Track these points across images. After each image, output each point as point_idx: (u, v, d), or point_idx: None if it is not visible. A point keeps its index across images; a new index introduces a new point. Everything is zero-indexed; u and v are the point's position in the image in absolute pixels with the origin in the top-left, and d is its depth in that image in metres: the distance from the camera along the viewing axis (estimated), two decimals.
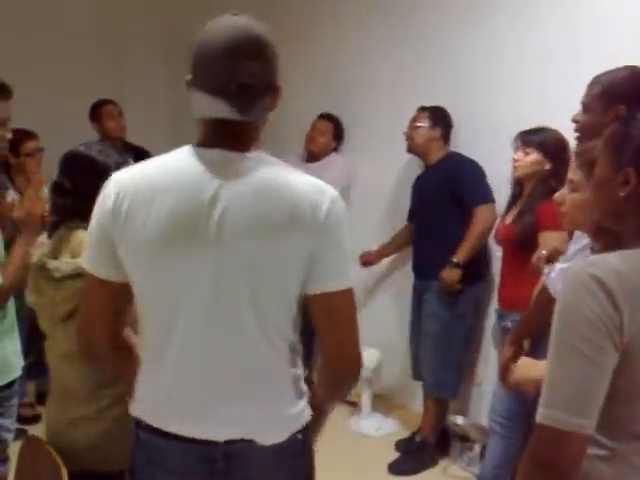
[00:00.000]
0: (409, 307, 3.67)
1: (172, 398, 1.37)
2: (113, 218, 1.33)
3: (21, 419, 3.37)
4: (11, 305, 2.17)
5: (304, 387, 1.44)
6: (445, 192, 3.38)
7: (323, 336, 1.38)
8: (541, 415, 1.12)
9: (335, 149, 4.25)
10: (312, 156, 4.22)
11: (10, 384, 2.14)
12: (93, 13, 5.02)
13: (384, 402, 4.02)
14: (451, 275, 3.28)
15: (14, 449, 1.99)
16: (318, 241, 1.30)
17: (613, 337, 1.11)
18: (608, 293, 1.11)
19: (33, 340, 2.16)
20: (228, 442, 1.35)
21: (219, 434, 1.35)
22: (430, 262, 3.43)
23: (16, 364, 2.17)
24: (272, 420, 1.38)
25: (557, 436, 1.10)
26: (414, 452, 3.46)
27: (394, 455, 3.49)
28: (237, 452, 1.36)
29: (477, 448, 3.36)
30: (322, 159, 4.18)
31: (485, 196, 3.31)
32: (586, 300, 1.11)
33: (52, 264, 1.73)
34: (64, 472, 1.66)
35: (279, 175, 1.33)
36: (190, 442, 1.36)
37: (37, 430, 2.01)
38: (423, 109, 3.52)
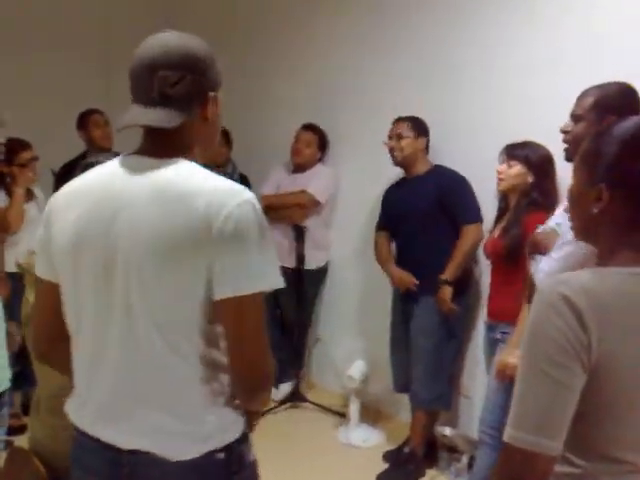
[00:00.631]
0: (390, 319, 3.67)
1: (86, 400, 1.40)
2: (45, 224, 1.41)
3: (7, 429, 3.34)
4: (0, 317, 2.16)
5: (226, 402, 1.37)
6: (435, 207, 3.37)
7: (228, 344, 1.32)
8: (509, 435, 1.12)
9: (320, 159, 4.27)
10: (298, 167, 4.25)
11: None
12: (85, 23, 5.03)
13: (372, 413, 4.02)
14: (446, 294, 3.30)
15: None
16: (216, 246, 1.25)
17: (581, 357, 1.10)
18: (577, 313, 1.10)
19: (20, 350, 2.15)
20: (133, 452, 1.34)
21: (123, 442, 1.35)
22: (419, 277, 3.43)
23: (3, 376, 2.15)
24: (178, 435, 1.32)
25: (524, 457, 1.11)
26: (403, 463, 3.44)
27: (382, 466, 3.48)
28: (142, 462, 1.34)
29: (465, 459, 3.36)
30: (308, 170, 4.20)
31: (476, 215, 3.33)
32: (554, 321, 1.10)
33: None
34: None
35: (188, 177, 1.30)
36: (101, 444, 1.37)
37: (23, 441, 2.00)
38: (402, 119, 3.51)
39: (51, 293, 1.42)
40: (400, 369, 3.60)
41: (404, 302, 3.53)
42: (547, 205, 2.69)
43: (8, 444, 2.47)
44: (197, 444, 1.33)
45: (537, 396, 1.11)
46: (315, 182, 4.09)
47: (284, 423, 3.93)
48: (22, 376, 2.49)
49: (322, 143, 4.23)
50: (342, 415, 4.00)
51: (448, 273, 3.30)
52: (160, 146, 1.35)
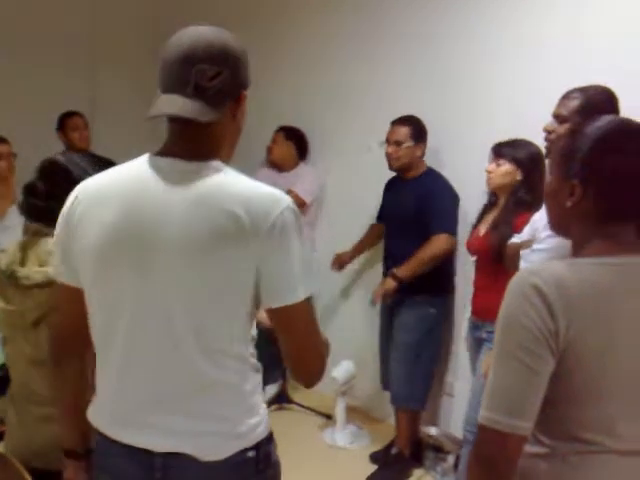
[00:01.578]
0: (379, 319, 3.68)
1: (116, 406, 1.38)
2: (66, 225, 1.36)
3: None
4: None
5: (258, 402, 1.40)
6: (414, 212, 3.37)
7: (282, 348, 1.35)
8: (482, 417, 1.21)
9: (302, 159, 4.30)
10: (275, 165, 4.31)
11: None
12: (70, 23, 4.99)
13: (358, 414, 4.02)
14: (389, 285, 3.31)
15: None
16: (262, 253, 1.25)
17: (550, 344, 1.17)
18: (547, 302, 1.17)
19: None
20: (167, 454, 1.34)
21: (157, 445, 1.34)
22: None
23: None
24: (214, 436, 1.34)
25: (496, 436, 1.19)
26: (391, 464, 3.45)
27: (368, 467, 3.48)
28: (176, 465, 1.34)
29: (451, 459, 3.37)
30: (291, 170, 4.22)
31: (446, 226, 3.31)
32: (525, 309, 1.18)
33: (22, 272, 1.75)
34: None
35: (226, 183, 1.29)
36: (132, 449, 1.35)
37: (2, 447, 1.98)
38: (399, 123, 3.43)
39: (76, 299, 1.39)
40: (385, 366, 3.62)
41: (389, 301, 3.53)
42: (535, 205, 2.70)
43: None
44: (230, 443, 1.35)
45: (509, 381, 1.19)
46: (300, 183, 4.10)
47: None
48: (5, 381, 2.47)
49: (291, 138, 4.24)
50: (328, 417, 3.99)
51: (401, 270, 3.31)
52: (190, 145, 1.31)
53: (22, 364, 1.82)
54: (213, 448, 1.34)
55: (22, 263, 1.78)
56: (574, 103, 2.11)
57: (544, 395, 1.20)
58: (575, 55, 2.90)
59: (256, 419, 1.38)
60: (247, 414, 1.37)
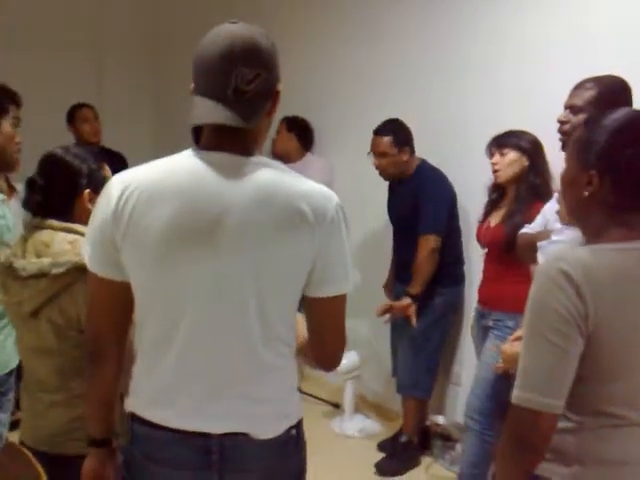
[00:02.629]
0: None
1: (170, 393, 1.38)
2: (115, 220, 1.32)
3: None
4: None
5: (297, 382, 1.48)
6: (412, 210, 3.36)
7: (314, 334, 1.45)
8: (515, 397, 1.27)
9: (307, 149, 4.29)
10: (280, 158, 4.28)
11: (7, 375, 2.14)
12: (78, 18, 5.03)
13: (366, 403, 4.03)
14: (407, 309, 3.28)
15: None
16: (321, 245, 1.33)
17: (579, 326, 1.24)
18: (575, 286, 1.24)
19: None
20: (223, 435, 1.37)
21: (215, 427, 1.37)
22: (404, 271, 3.46)
23: (8, 358, 2.17)
24: (268, 415, 1.41)
25: (530, 415, 1.26)
26: (400, 452, 3.47)
27: (377, 456, 3.50)
28: (232, 445, 1.38)
29: (459, 447, 3.38)
30: (297, 161, 4.21)
31: (431, 227, 3.30)
32: (555, 293, 1.24)
33: (18, 263, 1.77)
34: (44, 479, 1.67)
35: (283, 179, 1.34)
36: (186, 434, 1.37)
37: (15, 436, 2.00)
38: (380, 133, 3.41)
39: (115, 293, 1.39)
40: (395, 356, 3.64)
41: (398, 288, 3.54)
42: (545, 190, 2.69)
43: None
44: (281, 422, 1.43)
45: (541, 361, 1.26)
46: (308, 173, 4.07)
47: None
48: (18, 371, 2.49)
49: (293, 129, 4.24)
50: (337, 406, 4.01)
51: (413, 288, 3.30)
52: (233, 141, 1.33)
53: (26, 353, 1.86)
54: (269, 427, 1.41)
55: (23, 255, 1.80)
56: (589, 93, 2.09)
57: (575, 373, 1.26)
58: (580, 52, 2.88)
59: (297, 398, 1.48)
60: (292, 394, 1.46)
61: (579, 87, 2.14)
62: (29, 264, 1.75)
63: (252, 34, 1.31)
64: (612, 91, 2.07)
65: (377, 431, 3.80)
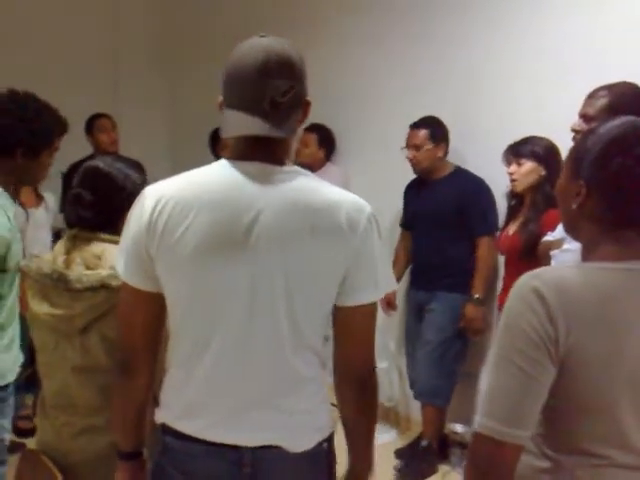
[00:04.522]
0: (404, 317, 3.67)
1: (203, 405, 1.38)
2: (149, 231, 1.33)
3: (20, 431, 3.37)
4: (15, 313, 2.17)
5: (327, 395, 1.46)
6: (454, 212, 3.34)
7: (342, 344, 1.42)
8: (479, 423, 1.16)
9: (328, 159, 4.27)
10: (304, 168, 4.23)
11: (4, 387, 2.12)
12: (93, 26, 5.08)
13: (382, 411, 4.01)
14: (477, 313, 3.29)
15: (11, 461, 1.98)
16: (354, 255, 1.33)
17: (549, 350, 1.13)
18: (546, 306, 1.13)
19: (30, 352, 2.15)
20: (257, 448, 1.37)
21: (248, 440, 1.37)
22: (435, 273, 3.43)
23: (9, 367, 2.14)
24: (300, 428, 1.40)
25: (492, 444, 1.14)
26: (419, 459, 3.45)
27: (394, 463, 3.48)
28: (265, 458, 1.38)
29: None
30: (317, 170, 4.20)
31: (493, 228, 3.30)
32: (525, 314, 1.14)
33: (73, 275, 1.70)
34: None
35: (317, 188, 1.36)
36: (218, 447, 1.37)
37: (34, 443, 2.00)
38: (418, 126, 3.42)
39: (150, 305, 1.39)
40: (412, 363, 3.62)
41: (420, 295, 3.52)
42: None
43: (19, 446, 2.49)
44: (314, 435, 1.42)
45: (507, 387, 1.14)
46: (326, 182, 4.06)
47: None
48: (35, 378, 2.51)
49: (324, 142, 4.22)
50: None
51: (478, 290, 3.28)
52: (267, 151, 1.35)
53: (63, 372, 1.76)
54: (301, 439, 1.40)
55: (66, 267, 1.74)
56: (601, 102, 2.08)
57: (548, 404, 1.16)
58: (597, 54, 2.87)
59: (329, 412, 1.46)
60: (324, 406, 1.45)
61: (592, 96, 2.13)
62: (85, 275, 1.69)
63: (284, 47, 1.35)
64: (625, 99, 2.05)
65: (394, 439, 3.78)
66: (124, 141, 4.52)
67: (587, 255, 1.25)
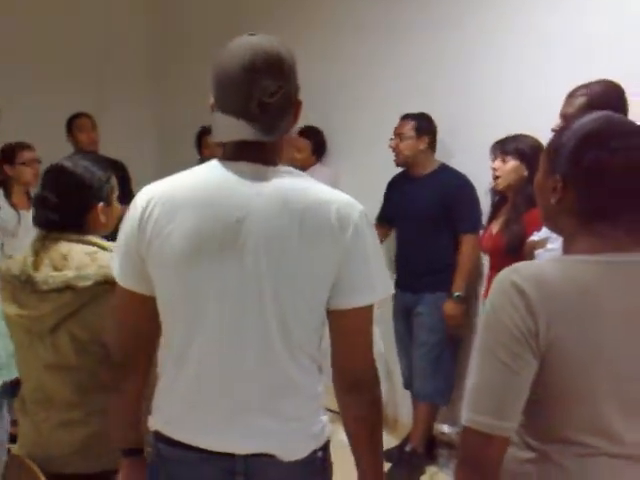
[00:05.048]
0: (391, 317, 3.67)
1: (194, 411, 1.36)
2: (139, 232, 1.33)
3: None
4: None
5: (323, 402, 1.44)
6: (437, 209, 3.35)
7: (338, 348, 1.38)
8: (466, 419, 1.19)
9: (318, 160, 4.25)
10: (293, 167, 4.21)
11: None
12: (81, 26, 5.05)
13: None
14: (456, 310, 3.30)
15: None
16: (345, 255, 1.30)
17: (530, 343, 1.15)
18: (526, 300, 1.14)
19: None
20: (249, 456, 1.35)
21: (240, 447, 1.35)
22: (422, 275, 3.43)
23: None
24: (294, 436, 1.37)
25: (480, 438, 1.17)
26: (405, 461, 3.45)
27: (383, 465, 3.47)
28: (258, 466, 1.35)
29: None
30: (305, 171, 4.17)
31: (476, 225, 3.30)
32: (505, 308, 1.15)
33: (39, 277, 1.72)
34: None
35: (308, 188, 1.34)
36: (211, 454, 1.35)
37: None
38: (407, 117, 3.47)
39: (142, 307, 1.38)
40: (406, 365, 3.61)
41: (406, 297, 3.51)
42: None
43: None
44: (308, 443, 1.39)
45: (491, 382, 1.17)
46: None
47: None
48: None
49: (317, 147, 4.21)
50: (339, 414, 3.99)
51: (458, 287, 3.29)
52: (259, 152, 1.33)
53: (37, 370, 1.79)
54: (295, 448, 1.37)
55: (35, 268, 1.75)
56: (579, 101, 2.10)
57: (531, 396, 1.18)
58: (582, 53, 2.88)
59: (324, 419, 1.43)
60: (319, 413, 1.41)
61: (571, 95, 2.15)
62: (51, 277, 1.70)
63: (273, 45, 1.31)
64: (602, 97, 2.07)
65: (383, 440, 3.77)
66: (111, 141, 4.50)
67: (567, 248, 1.26)
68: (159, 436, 1.40)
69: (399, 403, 3.71)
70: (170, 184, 1.35)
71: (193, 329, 1.33)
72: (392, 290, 1.39)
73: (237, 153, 1.34)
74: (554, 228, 1.33)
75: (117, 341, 1.45)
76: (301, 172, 1.39)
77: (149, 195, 1.34)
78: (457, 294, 3.30)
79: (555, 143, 1.27)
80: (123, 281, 1.39)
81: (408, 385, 3.63)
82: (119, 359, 1.45)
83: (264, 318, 1.31)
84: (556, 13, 3.00)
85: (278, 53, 1.31)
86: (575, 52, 2.91)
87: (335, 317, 1.36)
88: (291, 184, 1.33)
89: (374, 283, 1.35)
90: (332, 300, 1.34)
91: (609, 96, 2.08)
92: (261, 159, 1.33)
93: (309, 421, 1.39)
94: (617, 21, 2.77)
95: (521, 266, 1.20)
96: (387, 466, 3.45)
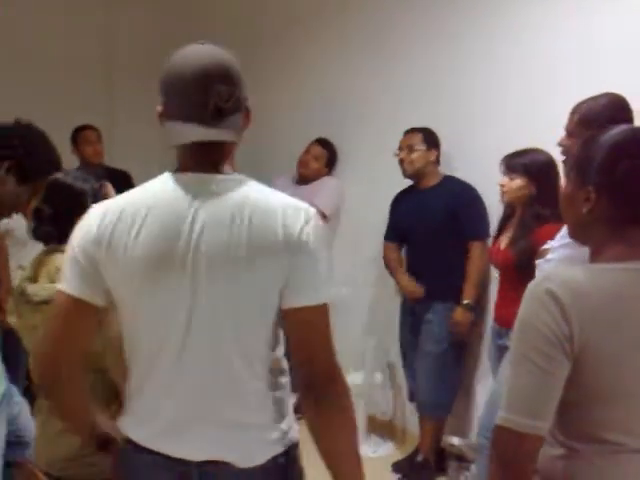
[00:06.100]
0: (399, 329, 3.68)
1: (152, 417, 1.39)
2: (97, 244, 1.34)
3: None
4: None
5: (287, 408, 1.43)
6: (446, 220, 3.36)
7: (294, 350, 1.37)
8: (500, 418, 1.25)
9: (328, 173, 4.27)
10: (303, 179, 4.23)
11: None
12: (89, 41, 5.09)
13: (379, 424, 4.00)
14: (464, 318, 3.31)
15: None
16: (292, 259, 1.31)
17: (564, 347, 1.22)
18: (560, 306, 1.21)
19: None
20: (203, 462, 1.36)
21: (193, 454, 1.36)
22: (432, 284, 3.44)
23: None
24: (249, 443, 1.37)
25: (514, 436, 1.23)
26: (416, 472, 3.44)
27: (392, 477, 3.47)
28: (213, 473, 1.36)
29: (474, 468, 3.34)
30: (313, 182, 4.20)
31: (484, 232, 3.31)
32: (540, 314, 1.22)
33: (31, 288, 1.78)
34: None
35: (255, 195, 1.35)
36: (168, 459, 1.37)
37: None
38: (414, 131, 3.48)
39: (88, 315, 1.38)
40: (411, 376, 3.61)
41: (415, 310, 3.52)
42: (555, 215, 2.67)
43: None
44: (266, 449, 1.38)
45: (524, 382, 1.23)
46: (321, 195, 4.06)
47: None
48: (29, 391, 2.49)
49: (331, 160, 4.24)
50: None
51: (468, 295, 3.30)
52: (208, 160, 1.35)
53: None
54: (250, 455, 1.37)
55: (34, 279, 1.81)
56: (575, 117, 2.17)
57: (563, 397, 1.23)
58: (586, 67, 2.88)
59: (286, 425, 1.41)
60: (278, 420, 1.40)
61: (572, 110, 2.19)
62: (41, 289, 1.76)
63: (222, 54, 1.36)
64: (596, 111, 2.11)
65: (391, 452, 3.77)
66: (120, 155, 4.52)
67: (596, 257, 1.32)
68: (127, 439, 1.43)
69: (407, 414, 3.69)
70: (126, 198, 1.38)
71: (153, 342, 1.36)
72: (333, 295, 1.38)
73: (189, 162, 1.36)
74: (583, 238, 1.39)
75: (45, 354, 1.40)
76: (246, 178, 1.39)
77: (104, 209, 1.37)
78: (467, 302, 3.30)
79: (582, 157, 1.35)
80: (70, 289, 1.36)
81: (412, 397, 3.63)
82: (47, 378, 1.41)
83: (216, 331, 1.33)
84: (562, 27, 3.01)
85: (228, 60, 1.35)
86: (582, 65, 2.91)
87: (286, 317, 1.35)
88: (241, 193, 1.34)
89: (322, 285, 1.34)
90: (288, 300, 1.34)
91: (605, 110, 2.11)
92: (209, 165, 1.35)
93: (265, 428, 1.38)
94: (625, 35, 2.78)
95: (553, 273, 1.29)
96: (395, 478, 3.44)
